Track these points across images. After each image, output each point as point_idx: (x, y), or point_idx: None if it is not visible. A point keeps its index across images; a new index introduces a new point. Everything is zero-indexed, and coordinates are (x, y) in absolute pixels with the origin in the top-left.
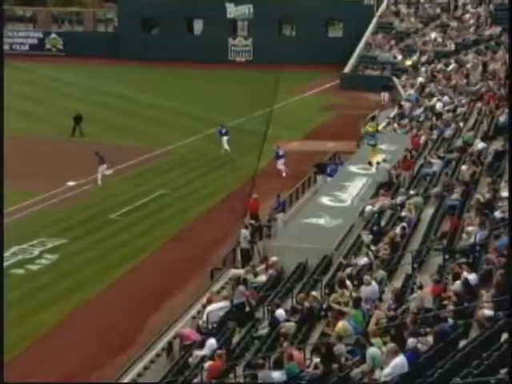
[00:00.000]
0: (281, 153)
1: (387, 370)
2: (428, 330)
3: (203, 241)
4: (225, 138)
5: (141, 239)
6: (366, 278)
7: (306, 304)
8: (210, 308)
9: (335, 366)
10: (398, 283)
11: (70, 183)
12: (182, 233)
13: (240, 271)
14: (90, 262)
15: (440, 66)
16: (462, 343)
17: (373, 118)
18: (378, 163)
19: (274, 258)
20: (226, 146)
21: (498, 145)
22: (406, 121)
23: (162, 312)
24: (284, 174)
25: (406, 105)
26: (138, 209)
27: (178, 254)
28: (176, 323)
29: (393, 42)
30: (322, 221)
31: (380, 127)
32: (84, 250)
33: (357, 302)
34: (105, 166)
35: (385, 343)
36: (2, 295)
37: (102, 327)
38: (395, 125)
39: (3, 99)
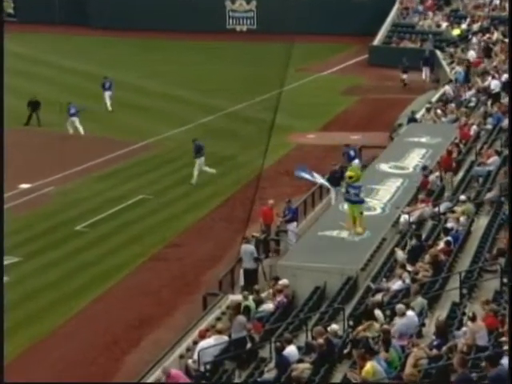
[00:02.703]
0: (352, 153)
1: None
2: (481, 374)
3: (194, 259)
4: (108, 94)
5: (114, 257)
6: (401, 306)
7: (321, 341)
8: (202, 344)
9: None
10: (442, 314)
11: (24, 185)
12: (167, 249)
13: (240, 297)
14: (50, 286)
15: (497, 35)
16: None
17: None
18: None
19: (283, 281)
20: (108, 102)
21: None
22: (452, 106)
23: (141, 349)
24: None
25: (453, 86)
26: (112, 218)
27: (161, 275)
28: (159, 363)
29: (436, 6)
30: (344, 233)
31: (418, 115)
32: (42, 270)
33: (389, 338)
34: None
35: None
36: (2, 295)
37: (64, 368)
38: (438, 111)
39: (3, 97)
